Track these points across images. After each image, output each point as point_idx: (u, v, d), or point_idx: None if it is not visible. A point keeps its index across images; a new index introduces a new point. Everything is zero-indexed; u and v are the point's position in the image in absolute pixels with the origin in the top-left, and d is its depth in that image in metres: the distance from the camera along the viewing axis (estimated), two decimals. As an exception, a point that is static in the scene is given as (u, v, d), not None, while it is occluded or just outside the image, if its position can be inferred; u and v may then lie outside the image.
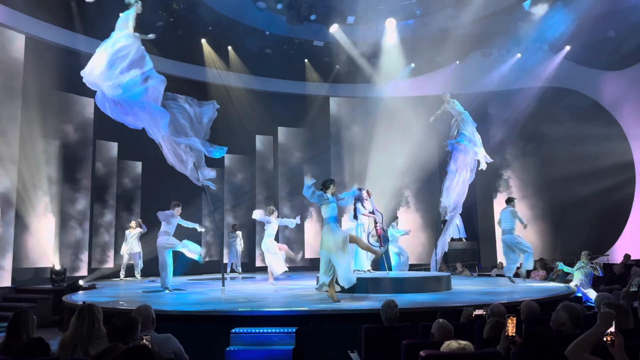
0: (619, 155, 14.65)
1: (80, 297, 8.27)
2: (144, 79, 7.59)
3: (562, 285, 9.58)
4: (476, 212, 16.39)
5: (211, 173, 8.47)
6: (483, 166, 10.79)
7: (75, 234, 12.42)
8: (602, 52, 14.70)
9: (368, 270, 9.51)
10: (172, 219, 9.22)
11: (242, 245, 14.41)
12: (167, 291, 9.03)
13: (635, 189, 14.68)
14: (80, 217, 12.56)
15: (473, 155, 10.70)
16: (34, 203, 11.36)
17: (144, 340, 3.02)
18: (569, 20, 13.90)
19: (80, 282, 10.03)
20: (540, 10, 13.68)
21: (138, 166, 14.45)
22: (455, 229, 11.05)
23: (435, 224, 11.15)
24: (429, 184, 15.61)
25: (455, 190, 10.77)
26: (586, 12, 13.49)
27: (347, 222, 9.92)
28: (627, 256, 12.52)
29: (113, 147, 13.78)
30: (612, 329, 2.53)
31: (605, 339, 2.53)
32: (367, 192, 9.71)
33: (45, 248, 11.51)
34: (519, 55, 15.66)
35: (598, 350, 2.66)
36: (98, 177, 13.39)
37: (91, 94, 8.34)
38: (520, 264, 10.23)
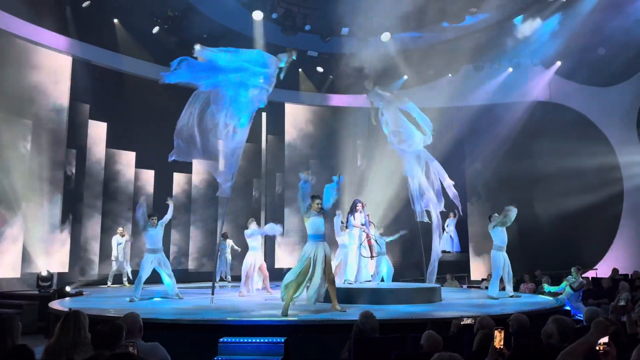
0: (608, 171, 14.82)
1: (67, 303, 8.17)
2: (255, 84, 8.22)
3: (551, 298, 9.61)
4: (466, 223, 16.45)
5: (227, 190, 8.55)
6: (428, 141, 9.95)
7: (69, 238, 12.35)
8: (592, 68, 14.91)
9: (367, 281, 9.50)
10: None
11: (238, 250, 14.33)
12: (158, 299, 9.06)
13: (623, 204, 14.82)
14: (71, 223, 12.51)
15: (418, 146, 9.91)
16: (30, 207, 11.31)
17: (130, 348, 2.99)
18: (560, 37, 14.11)
19: (67, 289, 9.90)
20: (531, 26, 13.87)
21: (151, 174, 14.69)
22: (448, 241, 10.87)
23: (418, 234, 10.73)
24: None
25: (426, 194, 9.98)
26: (577, 29, 13.71)
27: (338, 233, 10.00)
28: (615, 270, 12.59)
29: (129, 155, 14.21)
30: (605, 340, 2.52)
31: (598, 348, 2.53)
32: (362, 204, 9.71)
33: (34, 253, 11.41)
34: (510, 69, 15.84)
35: (588, 361, 2.66)
36: (104, 184, 13.50)
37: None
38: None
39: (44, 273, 10.70)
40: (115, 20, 13.08)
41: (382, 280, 10.57)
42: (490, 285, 9.68)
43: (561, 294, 9.90)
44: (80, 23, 12.42)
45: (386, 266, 10.57)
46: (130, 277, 12.56)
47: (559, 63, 15.40)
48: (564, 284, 9.94)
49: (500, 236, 9.49)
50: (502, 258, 9.44)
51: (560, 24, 13.75)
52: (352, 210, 9.51)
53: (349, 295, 8.13)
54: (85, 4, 12.05)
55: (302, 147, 16.61)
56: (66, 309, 6.44)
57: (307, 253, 6.99)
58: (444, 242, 14.03)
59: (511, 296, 9.40)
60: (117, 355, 2.21)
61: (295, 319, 6.56)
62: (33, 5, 11.42)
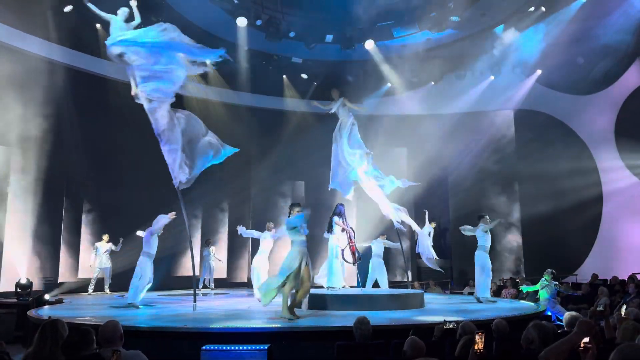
0: (587, 177, 15.09)
1: (46, 311, 8.03)
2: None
3: (532, 304, 9.73)
4: (448, 230, 16.57)
5: None
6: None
7: (44, 246, 12.11)
8: (571, 77, 15.20)
9: (343, 287, 9.50)
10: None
11: (220, 260, 14.30)
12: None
13: (603, 210, 15.09)
14: (50, 230, 12.28)
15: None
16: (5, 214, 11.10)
17: (114, 357, 2.94)
18: (540, 46, 14.37)
19: (47, 297, 9.71)
20: (512, 35, 14.10)
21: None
22: (420, 247, 11.17)
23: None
24: (399, 201, 15.70)
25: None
26: (556, 39, 13.98)
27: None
28: (594, 276, 12.77)
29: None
30: (587, 339, 2.57)
31: (579, 346, 2.57)
32: (344, 207, 9.75)
33: (12, 261, 11.19)
34: (492, 77, 16.05)
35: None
36: (73, 192, 13.18)
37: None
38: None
39: (23, 280, 10.49)
40: (98, 26, 12.92)
41: (364, 286, 10.64)
42: (481, 287, 9.81)
43: (537, 292, 10.15)
44: (64, 28, 12.26)
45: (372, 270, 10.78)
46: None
47: (539, 71, 15.67)
48: (538, 285, 10.19)
49: (486, 238, 9.92)
50: (488, 259, 9.81)
51: (541, 34, 14.00)
52: (336, 213, 9.54)
53: (331, 302, 8.13)
54: (67, 9, 11.90)
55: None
56: (45, 318, 6.33)
57: (298, 259, 7.10)
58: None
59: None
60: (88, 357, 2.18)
61: (279, 325, 6.54)
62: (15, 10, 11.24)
